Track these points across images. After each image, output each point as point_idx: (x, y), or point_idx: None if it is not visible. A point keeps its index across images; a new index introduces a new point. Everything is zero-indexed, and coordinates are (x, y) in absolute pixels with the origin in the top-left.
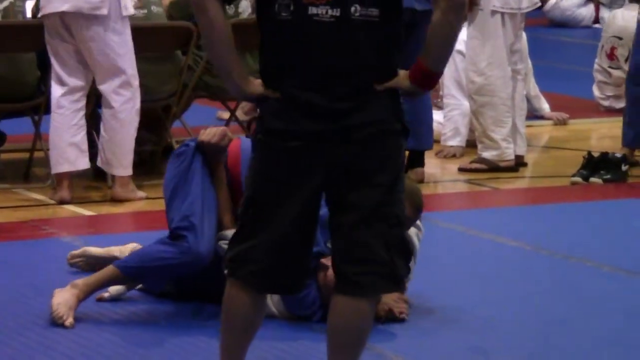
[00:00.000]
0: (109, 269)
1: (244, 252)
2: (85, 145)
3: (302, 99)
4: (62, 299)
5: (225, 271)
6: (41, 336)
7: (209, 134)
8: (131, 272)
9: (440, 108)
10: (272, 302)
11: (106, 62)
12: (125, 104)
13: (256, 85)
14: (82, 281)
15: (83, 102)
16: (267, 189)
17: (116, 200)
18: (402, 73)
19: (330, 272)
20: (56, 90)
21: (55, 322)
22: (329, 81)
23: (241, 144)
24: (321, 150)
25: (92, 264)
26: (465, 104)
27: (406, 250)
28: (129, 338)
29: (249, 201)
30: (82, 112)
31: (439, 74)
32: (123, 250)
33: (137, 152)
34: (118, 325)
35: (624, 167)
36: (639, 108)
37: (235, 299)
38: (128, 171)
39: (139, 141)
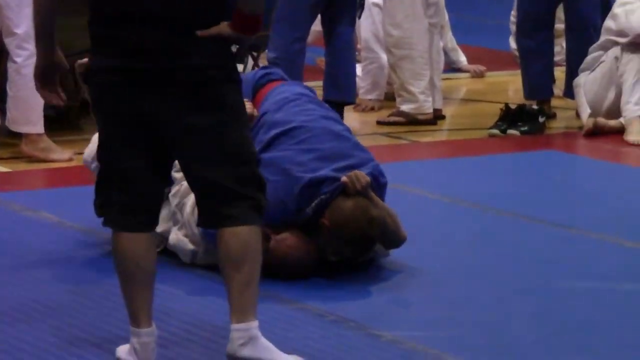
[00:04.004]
0: None
1: (105, 195)
2: None
3: (126, 40)
4: None
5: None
6: None
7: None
8: None
9: (358, 61)
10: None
11: (9, 14)
12: (29, 59)
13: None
14: None
15: None
16: (108, 129)
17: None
18: (224, 22)
19: (273, 242)
20: None
21: None
22: (149, 26)
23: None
24: (145, 91)
25: None
26: (383, 57)
27: (261, 183)
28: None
29: (99, 142)
30: None
31: (255, 17)
32: None
33: (53, 108)
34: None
35: (541, 119)
36: (529, 60)
37: (118, 246)
38: (37, 129)
39: None
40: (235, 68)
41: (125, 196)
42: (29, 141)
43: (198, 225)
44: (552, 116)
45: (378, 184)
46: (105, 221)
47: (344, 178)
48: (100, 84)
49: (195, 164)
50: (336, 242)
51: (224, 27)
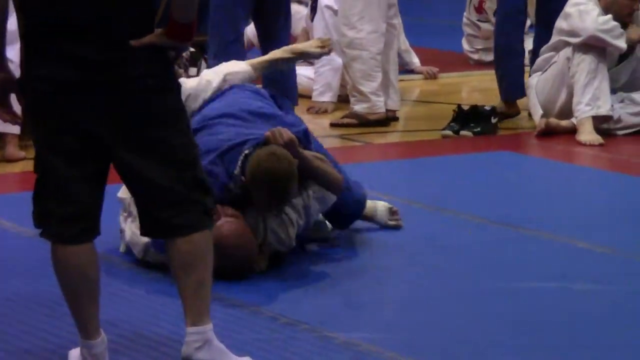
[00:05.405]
0: None
1: (42, 205)
2: None
3: (63, 50)
4: None
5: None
6: None
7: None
8: None
9: (311, 64)
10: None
11: None
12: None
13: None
14: None
15: None
16: (43, 138)
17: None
18: (159, 29)
19: (221, 222)
20: None
21: None
22: (83, 37)
23: None
24: (83, 101)
25: None
26: (336, 60)
27: (206, 187)
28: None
29: (35, 152)
30: None
31: (187, 24)
32: None
33: None
34: None
35: (493, 120)
36: (508, 58)
37: (58, 259)
38: (17, 129)
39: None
40: (173, 75)
41: (62, 206)
42: (14, 142)
43: (142, 234)
44: (508, 116)
45: (309, 143)
46: (42, 233)
47: (266, 132)
48: (34, 94)
49: (138, 172)
50: (257, 192)
51: (157, 36)
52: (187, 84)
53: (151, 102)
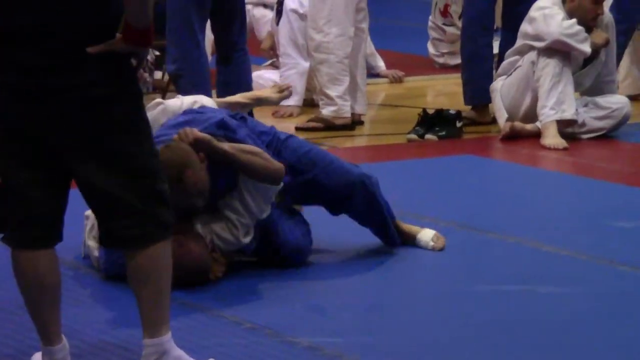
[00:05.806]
0: None
1: (3, 211)
2: None
3: (10, 56)
4: None
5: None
6: None
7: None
8: None
9: (277, 67)
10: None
11: None
12: None
13: None
14: None
15: None
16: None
17: None
18: (118, 35)
19: (184, 248)
20: None
21: None
22: (38, 43)
23: None
24: (32, 108)
25: None
26: (302, 64)
27: (163, 198)
28: None
29: None
30: None
31: (143, 30)
32: None
33: None
34: None
35: (458, 124)
36: (475, 63)
37: (18, 265)
38: None
39: None
40: (134, 81)
41: (22, 211)
42: None
43: (100, 244)
44: (478, 123)
45: (230, 132)
46: (3, 238)
47: (174, 136)
48: None
49: (93, 183)
50: None
51: (115, 42)
52: (170, 102)
53: (104, 111)
